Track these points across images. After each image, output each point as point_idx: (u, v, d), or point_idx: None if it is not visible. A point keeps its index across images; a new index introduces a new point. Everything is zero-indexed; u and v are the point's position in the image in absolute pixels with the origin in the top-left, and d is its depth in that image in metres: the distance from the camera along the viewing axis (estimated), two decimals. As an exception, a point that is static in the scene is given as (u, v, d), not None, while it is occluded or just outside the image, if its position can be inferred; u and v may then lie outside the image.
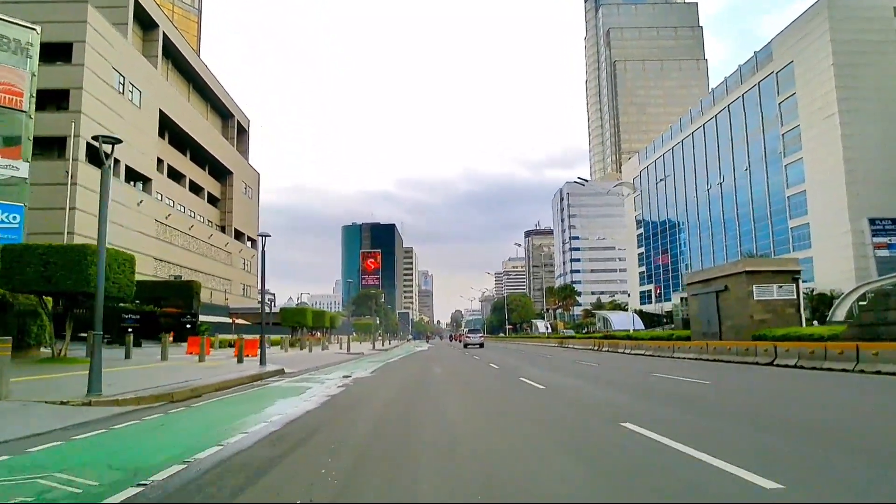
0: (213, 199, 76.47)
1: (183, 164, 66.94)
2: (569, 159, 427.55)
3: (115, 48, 49.88)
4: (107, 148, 10.66)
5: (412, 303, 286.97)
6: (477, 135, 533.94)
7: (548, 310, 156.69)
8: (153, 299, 32.56)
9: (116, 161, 49.92)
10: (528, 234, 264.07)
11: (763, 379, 15.36)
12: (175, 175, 65.08)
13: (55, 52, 46.75)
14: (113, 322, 26.49)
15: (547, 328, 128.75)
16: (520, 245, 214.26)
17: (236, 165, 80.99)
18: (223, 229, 77.75)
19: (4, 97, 23.28)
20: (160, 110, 58.07)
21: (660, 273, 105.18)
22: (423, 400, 11.36)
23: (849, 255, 58.58)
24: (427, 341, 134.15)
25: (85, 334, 26.68)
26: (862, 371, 15.30)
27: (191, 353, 24.83)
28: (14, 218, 22.32)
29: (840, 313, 33.03)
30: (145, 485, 4.76)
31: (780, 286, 24.85)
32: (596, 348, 37.43)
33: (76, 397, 9.66)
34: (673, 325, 66.63)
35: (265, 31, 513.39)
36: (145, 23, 58.55)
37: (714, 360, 21.93)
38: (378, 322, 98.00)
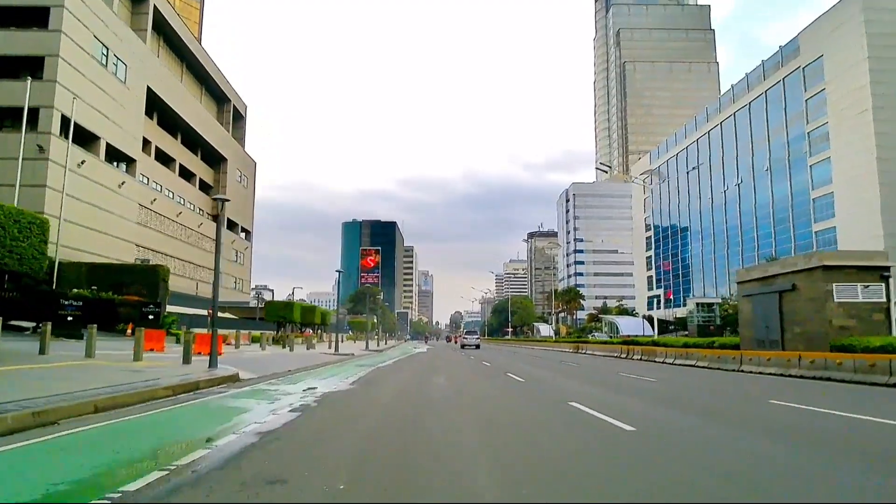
0: (205, 187, 72.62)
1: (173, 147, 63.14)
2: (570, 163, 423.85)
3: (99, 16, 46.06)
4: None
5: (412, 303, 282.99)
6: (478, 136, 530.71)
7: (550, 313, 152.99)
8: (114, 285, 28.75)
9: (96, 137, 46.19)
10: (530, 235, 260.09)
11: None
12: (164, 158, 61.27)
13: (31, 17, 42.94)
14: (52, 309, 22.75)
15: (550, 332, 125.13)
16: (529, 239, 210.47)
17: (231, 152, 77.16)
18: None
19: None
20: (148, 88, 54.24)
21: (669, 277, 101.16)
22: (420, 454, 6.27)
23: (880, 262, 54.63)
24: (425, 342, 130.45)
25: (22, 322, 23.05)
26: None
27: (147, 350, 20.95)
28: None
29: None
30: None
31: (867, 286, 20.37)
32: (625, 356, 33.07)
33: None
34: (687, 332, 62.74)
35: (268, 28, 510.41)
36: (134, -7, 54.79)
37: (818, 379, 17.23)
38: (375, 321, 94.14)
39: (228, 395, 10.99)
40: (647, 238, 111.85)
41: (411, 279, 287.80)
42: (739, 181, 79.26)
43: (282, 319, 46.55)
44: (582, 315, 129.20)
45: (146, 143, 56.17)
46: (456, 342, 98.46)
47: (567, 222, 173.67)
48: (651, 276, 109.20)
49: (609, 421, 8.36)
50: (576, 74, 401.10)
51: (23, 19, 42.97)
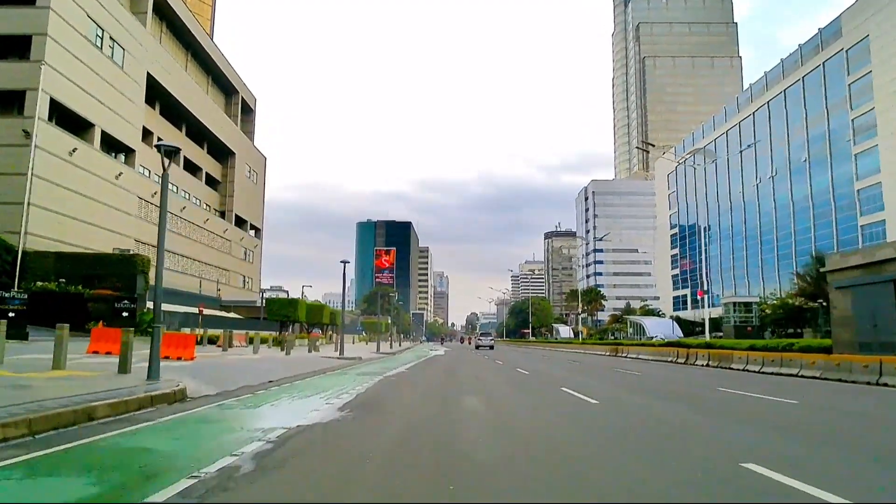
0: (212, 182, 69.74)
1: (177, 138, 60.05)
2: (585, 165, 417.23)
3: (93, -5, 43.15)
4: None
5: (427, 304, 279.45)
6: (493, 137, 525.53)
7: (568, 314, 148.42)
8: (87, 278, 25.54)
9: (90, 124, 43.30)
10: (547, 235, 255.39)
11: None
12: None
13: (18, -6, 40.23)
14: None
15: (570, 333, 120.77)
16: (546, 239, 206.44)
17: (240, 146, 74.20)
18: (223, 214, 71.00)
19: None
20: (148, 74, 51.37)
21: (696, 276, 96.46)
22: None
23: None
24: (441, 343, 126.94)
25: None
26: None
27: (93, 352, 17.57)
28: None
29: None
30: None
31: None
32: (683, 361, 27.85)
33: None
34: (722, 334, 58.51)
35: (288, 33, 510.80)
36: (133, -26, 51.90)
37: None
38: (390, 321, 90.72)
39: (115, 435, 6.83)
40: (671, 235, 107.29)
41: (426, 280, 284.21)
42: (774, 173, 74.68)
43: (285, 319, 43.06)
44: (601, 316, 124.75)
45: (147, 133, 53.27)
46: (470, 343, 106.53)
47: (586, 221, 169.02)
48: (676, 275, 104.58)
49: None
50: (592, 74, 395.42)
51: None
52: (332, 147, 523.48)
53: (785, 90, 72.38)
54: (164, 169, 12.17)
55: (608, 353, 40.28)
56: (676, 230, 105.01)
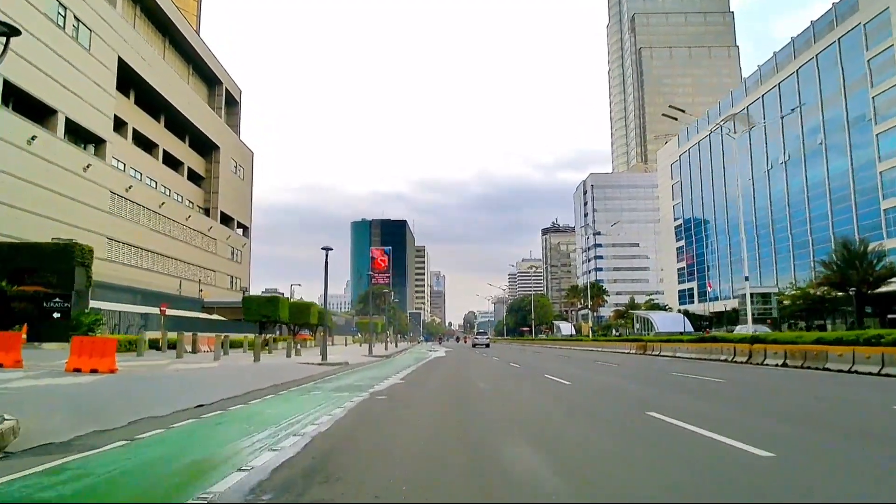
0: (195, 177, 65.84)
1: (155, 130, 56.34)
2: (582, 162, 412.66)
3: (53, -32, 39.28)
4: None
5: (424, 303, 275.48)
6: (489, 136, 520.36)
7: (569, 311, 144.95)
8: (15, 273, 21.63)
9: (52, 111, 39.42)
10: (545, 231, 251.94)
11: None
12: (144, 143, 54.50)
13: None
14: None
15: (571, 330, 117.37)
16: (544, 235, 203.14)
17: (224, 140, 70.28)
18: (207, 212, 67.11)
19: None
20: (120, 59, 47.45)
21: (703, 268, 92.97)
22: None
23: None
24: (440, 343, 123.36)
25: None
26: None
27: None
28: None
29: None
30: None
31: None
32: (744, 360, 23.24)
33: None
34: (739, 327, 54.96)
35: (282, 30, 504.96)
36: (101, -50, 47.90)
37: None
38: (387, 321, 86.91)
39: None
40: (676, 227, 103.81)
41: (423, 279, 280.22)
42: (786, 158, 71.22)
43: (265, 319, 39.07)
44: (602, 312, 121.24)
45: (121, 123, 49.47)
46: (466, 342, 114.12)
47: (585, 216, 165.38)
48: (682, 268, 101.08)
49: None
50: (586, 69, 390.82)
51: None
52: (331, 149, 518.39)
53: (797, 70, 68.89)
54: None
55: (635, 352, 35.74)
56: (681, 221, 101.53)
